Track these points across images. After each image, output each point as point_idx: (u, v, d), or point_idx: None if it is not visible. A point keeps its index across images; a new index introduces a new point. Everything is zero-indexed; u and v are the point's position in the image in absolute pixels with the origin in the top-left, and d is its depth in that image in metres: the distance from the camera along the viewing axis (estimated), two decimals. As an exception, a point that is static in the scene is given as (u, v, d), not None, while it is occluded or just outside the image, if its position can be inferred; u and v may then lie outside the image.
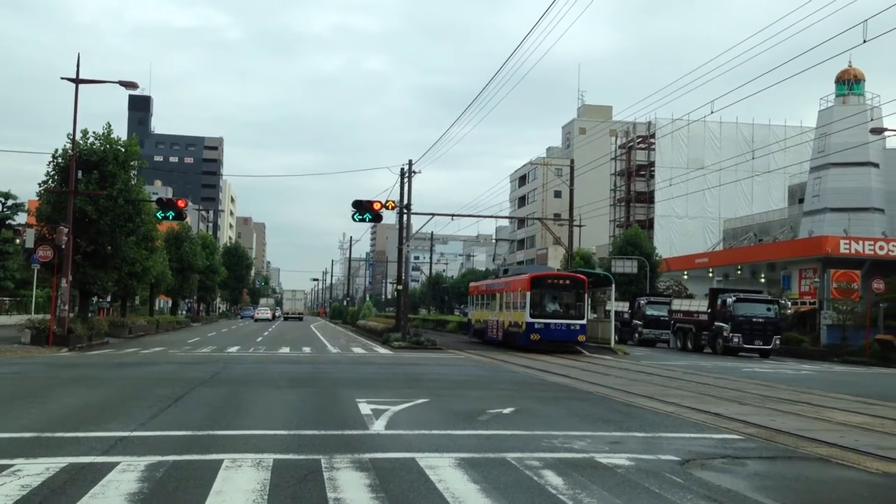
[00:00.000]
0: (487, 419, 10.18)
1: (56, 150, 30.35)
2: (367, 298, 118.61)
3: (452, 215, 35.37)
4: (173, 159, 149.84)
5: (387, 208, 30.91)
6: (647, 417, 10.84)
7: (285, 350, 27.19)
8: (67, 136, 29.24)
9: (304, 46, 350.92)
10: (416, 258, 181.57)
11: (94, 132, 30.79)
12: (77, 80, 28.35)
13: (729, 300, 31.98)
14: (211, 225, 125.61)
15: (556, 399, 12.92)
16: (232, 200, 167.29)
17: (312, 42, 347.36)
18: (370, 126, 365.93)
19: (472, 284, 41.26)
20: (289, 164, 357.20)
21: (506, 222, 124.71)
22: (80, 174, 29.77)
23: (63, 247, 28.01)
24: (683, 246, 70.11)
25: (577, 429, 9.53)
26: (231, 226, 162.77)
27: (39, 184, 30.41)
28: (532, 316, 28.08)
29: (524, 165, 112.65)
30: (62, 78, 28.65)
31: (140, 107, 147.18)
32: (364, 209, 29.65)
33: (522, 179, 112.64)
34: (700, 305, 35.20)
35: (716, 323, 32.35)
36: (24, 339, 27.36)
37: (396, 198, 32.69)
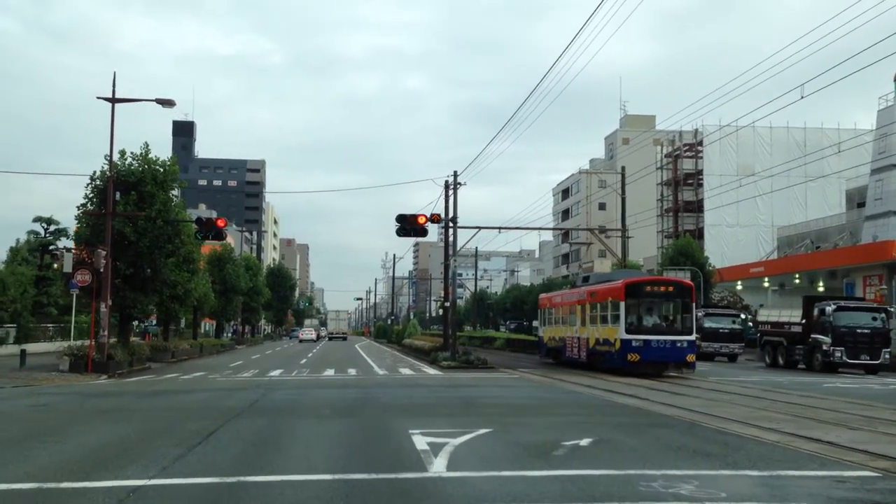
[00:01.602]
0: (565, 454, 8.69)
1: (94, 172, 29.75)
2: (412, 317, 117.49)
3: (500, 228, 33.93)
4: (217, 182, 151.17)
5: (432, 221, 29.66)
6: (752, 449, 9.23)
7: (329, 373, 25.95)
8: (105, 157, 28.52)
9: (342, 68, 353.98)
10: (460, 275, 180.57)
11: (131, 153, 30.13)
12: (113, 100, 27.72)
13: (828, 309, 28.25)
14: (254, 247, 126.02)
15: (635, 426, 11.34)
16: (275, 222, 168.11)
17: (350, 63, 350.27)
18: (408, 145, 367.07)
19: (542, 296, 35.21)
20: (329, 186, 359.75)
21: (550, 237, 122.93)
22: (118, 195, 29.06)
23: (101, 270, 27.25)
24: (735, 255, 67.69)
25: (676, 466, 7.98)
26: (275, 247, 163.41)
27: (78, 207, 29.78)
28: (629, 331, 23.45)
29: (568, 178, 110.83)
30: (98, 98, 28.07)
31: (183, 132, 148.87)
32: (408, 224, 28.43)
33: (565, 192, 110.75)
34: (791, 316, 31.43)
35: (812, 335, 28.60)
36: (62, 366, 26.57)
37: (440, 212, 31.34)
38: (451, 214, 30.77)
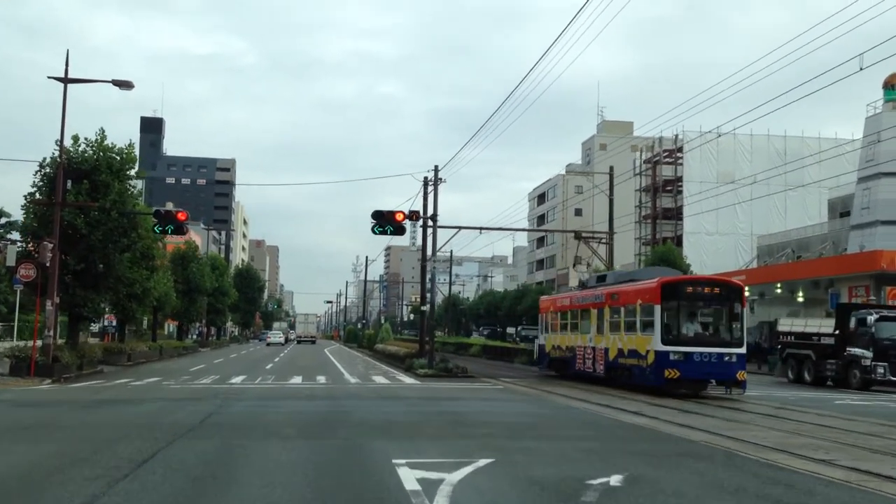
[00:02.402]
0: (598, 501, 6.74)
1: (44, 159, 27.35)
2: (383, 321, 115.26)
3: (480, 228, 32.00)
4: (185, 181, 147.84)
5: (411, 219, 27.68)
6: (822, 491, 7.38)
7: (297, 380, 23.81)
8: (56, 142, 26.14)
9: (318, 71, 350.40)
10: (430, 280, 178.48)
11: (85, 138, 27.77)
12: (66, 80, 25.45)
13: (869, 319, 24.84)
14: (223, 247, 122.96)
15: (664, 457, 9.43)
16: (245, 223, 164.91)
17: (327, 67, 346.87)
18: (384, 150, 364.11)
19: (544, 299, 30.33)
20: (301, 188, 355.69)
21: (524, 243, 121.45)
22: (69, 184, 26.75)
23: (48, 265, 24.90)
24: (715, 264, 66.54)
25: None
26: (244, 248, 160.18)
27: (25, 196, 27.34)
28: (667, 341, 19.19)
29: (544, 183, 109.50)
30: (49, 77, 25.74)
31: (152, 129, 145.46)
32: (385, 221, 26.35)
33: (541, 198, 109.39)
34: (821, 326, 28.13)
35: (849, 349, 25.22)
36: (1, 369, 24.17)
37: (417, 212, 29.30)
38: (430, 212, 28.75)
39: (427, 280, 31.28)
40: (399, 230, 26.77)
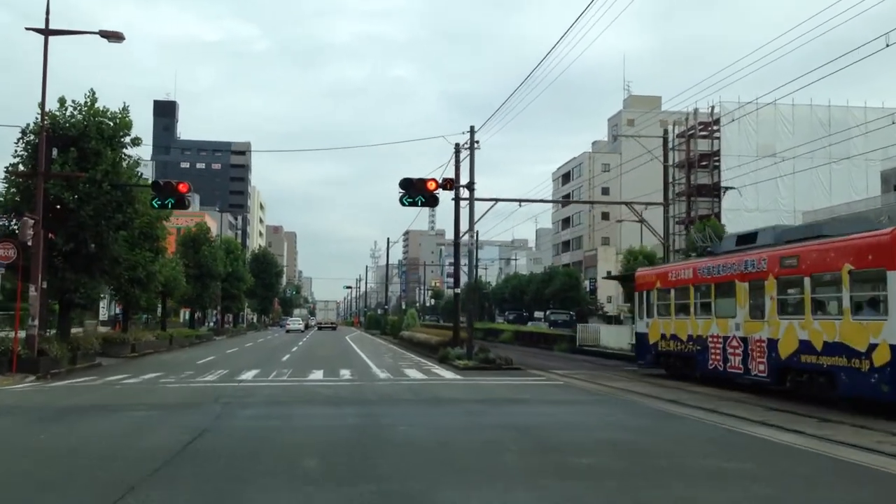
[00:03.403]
0: None
1: (27, 125, 23.94)
2: (403, 306, 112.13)
3: (520, 200, 28.62)
4: (200, 165, 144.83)
5: (444, 188, 24.06)
6: None
7: (317, 375, 20.34)
8: (39, 105, 22.71)
9: (329, 56, 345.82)
10: (451, 264, 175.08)
11: (73, 101, 24.33)
12: (46, 31, 22.10)
13: None
14: (239, 232, 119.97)
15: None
16: (261, 208, 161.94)
17: (337, 51, 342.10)
18: (397, 134, 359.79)
19: (644, 272, 22.79)
20: (316, 174, 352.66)
21: (548, 224, 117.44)
22: (54, 153, 23.37)
23: (30, 244, 21.56)
24: (756, 243, 62.58)
25: None
26: (261, 234, 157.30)
27: (6, 168, 24.00)
28: None
29: (568, 162, 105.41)
30: (27, 28, 22.42)
31: (165, 113, 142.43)
32: (415, 190, 22.77)
33: (566, 177, 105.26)
34: None
35: None
36: (-21, 364, 20.92)
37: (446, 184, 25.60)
38: (468, 180, 25.07)
39: (462, 257, 27.69)
40: (431, 200, 23.16)
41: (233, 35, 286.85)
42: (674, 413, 12.56)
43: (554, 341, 40.01)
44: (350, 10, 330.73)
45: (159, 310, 45.90)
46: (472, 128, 24.80)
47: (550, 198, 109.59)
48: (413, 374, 21.11)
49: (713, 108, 66.19)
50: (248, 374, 20.54)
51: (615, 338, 34.07)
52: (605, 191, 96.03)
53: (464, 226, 28.19)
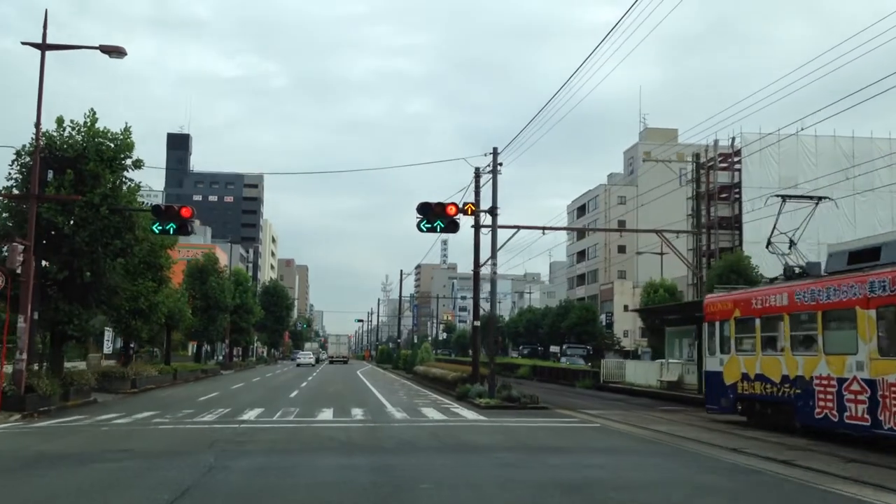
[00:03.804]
0: None
1: (23, 146, 22.54)
2: (415, 339, 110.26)
3: (543, 228, 26.83)
4: (212, 198, 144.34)
5: (465, 213, 22.46)
6: None
7: (327, 415, 18.58)
8: (35, 125, 21.34)
9: (345, 91, 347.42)
10: (463, 297, 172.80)
11: (71, 121, 22.99)
12: (43, 46, 20.91)
13: None
14: (251, 265, 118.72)
15: None
16: (273, 241, 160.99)
17: (354, 86, 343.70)
18: (413, 170, 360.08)
19: (715, 298, 19.07)
20: (331, 208, 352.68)
21: (563, 258, 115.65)
22: (49, 175, 21.98)
23: (19, 271, 20.06)
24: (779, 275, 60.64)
25: None
26: (272, 266, 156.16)
27: None
28: None
29: (584, 195, 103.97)
30: (23, 43, 21.11)
31: (179, 145, 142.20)
32: (434, 215, 21.19)
33: (581, 210, 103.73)
34: None
35: None
36: (-41, 402, 19.31)
37: (464, 213, 23.96)
38: (493, 204, 23.43)
39: (480, 288, 26.03)
40: (451, 226, 21.50)
41: (249, 71, 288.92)
42: (749, 467, 10.71)
43: (575, 377, 38.10)
44: (365, 46, 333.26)
45: (164, 344, 44.39)
46: (495, 149, 23.28)
47: (565, 231, 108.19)
48: (431, 413, 19.29)
49: (734, 139, 64.82)
50: (251, 414, 18.81)
51: (643, 374, 32.18)
52: (622, 224, 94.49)
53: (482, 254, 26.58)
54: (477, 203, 24.99)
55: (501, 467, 10.20)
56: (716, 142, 67.37)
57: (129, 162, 23.66)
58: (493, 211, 23.03)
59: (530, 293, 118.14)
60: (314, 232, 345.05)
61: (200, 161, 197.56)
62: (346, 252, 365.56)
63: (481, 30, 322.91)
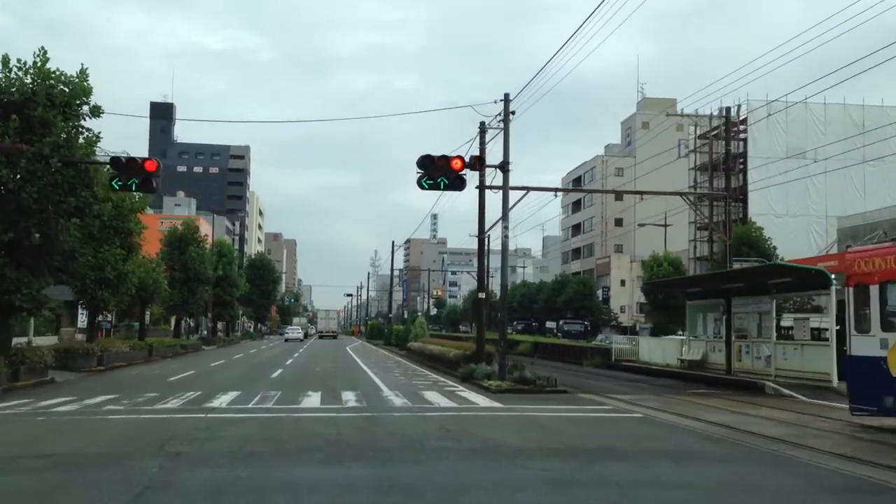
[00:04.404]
0: None
1: (-37, 91, 19.48)
2: (405, 314, 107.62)
3: (556, 190, 24.06)
4: (197, 169, 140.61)
5: (471, 168, 19.60)
6: None
7: (313, 400, 15.79)
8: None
9: (334, 66, 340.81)
10: (454, 272, 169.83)
11: (18, 60, 19.90)
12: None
13: None
14: (237, 238, 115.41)
15: None
16: (260, 214, 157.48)
17: (343, 62, 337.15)
18: (402, 145, 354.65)
19: (864, 252, 13.07)
20: (320, 184, 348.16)
21: (557, 232, 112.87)
22: (-8, 121, 18.98)
23: (-48, 232, 17.13)
24: (785, 249, 58.07)
25: None
26: (259, 240, 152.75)
27: (-64, 140, 19.48)
28: None
29: (580, 166, 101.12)
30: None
31: (162, 114, 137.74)
32: (436, 170, 18.30)
33: (577, 182, 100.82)
34: None
35: None
36: None
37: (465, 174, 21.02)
38: (486, 161, 20.52)
39: (487, 256, 23.15)
40: (456, 183, 18.61)
41: (238, 44, 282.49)
42: (870, 478, 8.00)
43: (583, 355, 35.43)
44: (355, 21, 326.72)
45: (147, 317, 41.53)
46: (506, 95, 20.33)
47: (560, 204, 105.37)
48: (435, 398, 16.49)
49: (739, 106, 61.90)
50: (224, 399, 15.98)
51: (659, 352, 29.53)
52: (619, 196, 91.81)
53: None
54: (482, 160, 22.02)
55: (555, 486, 7.35)
56: (720, 108, 64.43)
57: (85, 109, 20.62)
58: (504, 167, 20.11)
59: (524, 267, 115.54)
60: (303, 207, 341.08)
61: (185, 134, 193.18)
62: (335, 229, 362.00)
63: (470, 6, 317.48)
